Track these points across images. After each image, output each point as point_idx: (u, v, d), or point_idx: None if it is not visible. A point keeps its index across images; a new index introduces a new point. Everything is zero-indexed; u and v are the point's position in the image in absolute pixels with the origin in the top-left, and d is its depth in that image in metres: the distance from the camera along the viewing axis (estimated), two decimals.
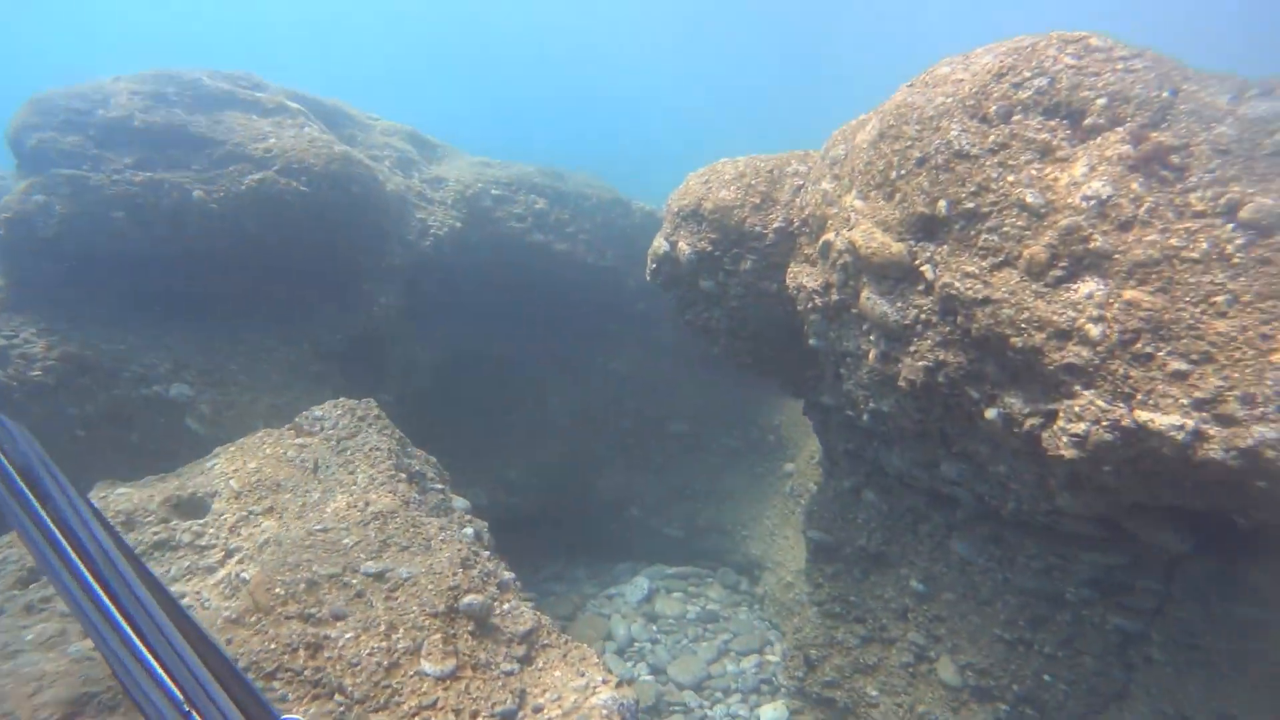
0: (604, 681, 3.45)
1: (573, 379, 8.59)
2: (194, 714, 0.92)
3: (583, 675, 3.47)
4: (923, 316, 3.69)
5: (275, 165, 6.11)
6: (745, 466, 8.37)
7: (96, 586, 0.96)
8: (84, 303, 6.09)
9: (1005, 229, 3.33)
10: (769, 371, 5.48)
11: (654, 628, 7.15)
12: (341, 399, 5.39)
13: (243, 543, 4.73)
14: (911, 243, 3.69)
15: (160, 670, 0.93)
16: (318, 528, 4.25)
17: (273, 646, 3.45)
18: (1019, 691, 4.19)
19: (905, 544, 4.93)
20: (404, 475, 4.76)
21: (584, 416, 8.56)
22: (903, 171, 3.74)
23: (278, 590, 3.73)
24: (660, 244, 5.48)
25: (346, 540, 4.10)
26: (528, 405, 8.42)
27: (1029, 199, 3.25)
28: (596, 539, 8.43)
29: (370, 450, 4.88)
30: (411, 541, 4.04)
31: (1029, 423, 3.34)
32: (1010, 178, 3.34)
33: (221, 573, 4.59)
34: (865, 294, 3.94)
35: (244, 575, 4.37)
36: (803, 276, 4.54)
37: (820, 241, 4.34)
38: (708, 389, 8.68)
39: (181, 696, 0.93)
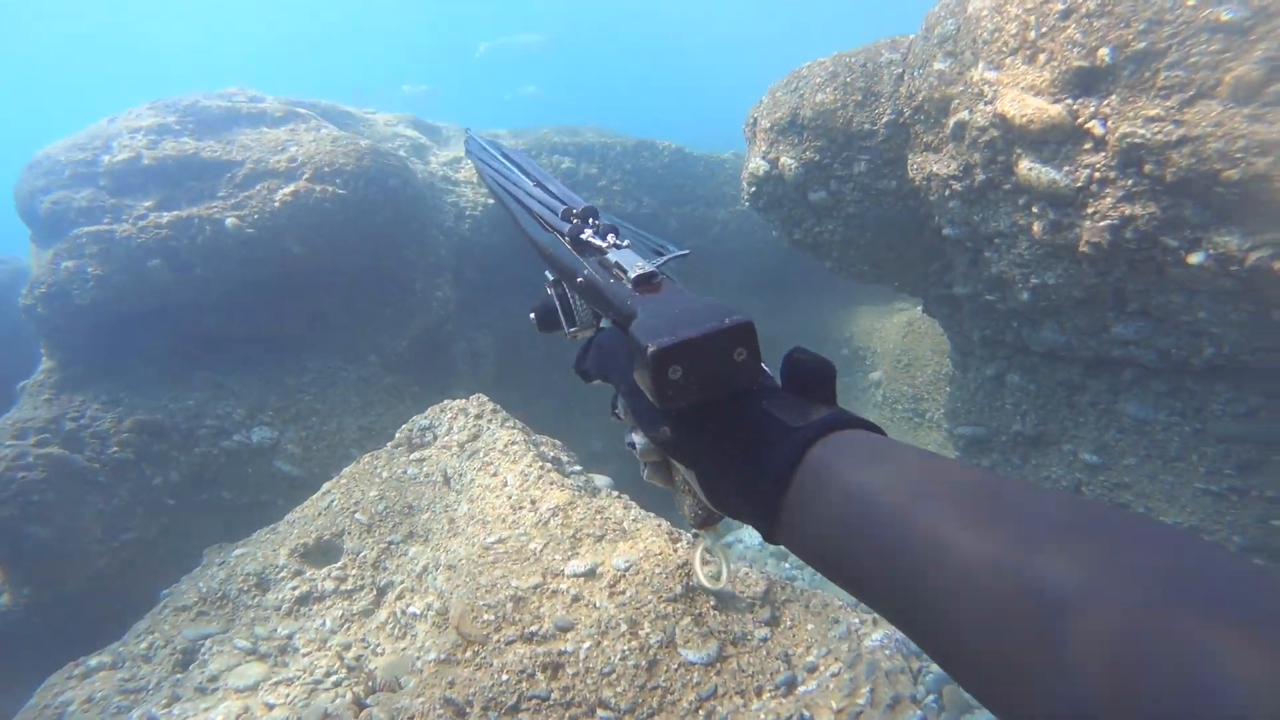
0: (862, 623, 3.27)
1: None
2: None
3: (838, 622, 3.27)
4: (1097, 175, 3.50)
5: (304, 174, 5.67)
6: None
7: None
8: (136, 366, 5.68)
9: (1193, 59, 3.08)
10: (885, 276, 5.29)
11: (786, 564, 7.02)
12: (446, 401, 5.08)
13: (392, 576, 4.44)
14: (1070, 101, 3.49)
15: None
16: (491, 540, 3.93)
17: (505, 677, 3.15)
18: (1242, 542, 4.08)
19: (1063, 419, 4.78)
20: (549, 464, 4.48)
21: None
22: (1044, 29, 3.53)
23: (486, 616, 3.43)
24: (758, 165, 5.21)
25: (533, 545, 3.78)
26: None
27: (1224, 16, 2.99)
28: None
29: (506, 446, 4.58)
30: (604, 530, 3.76)
31: (1253, 256, 3.15)
32: (1192, 1, 3.08)
33: (382, 614, 4.28)
34: (1024, 165, 3.70)
35: (412, 610, 4.08)
36: (931, 165, 4.29)
37: (951, 123, 4.09)
38: (773, 315, 8.45)
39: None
